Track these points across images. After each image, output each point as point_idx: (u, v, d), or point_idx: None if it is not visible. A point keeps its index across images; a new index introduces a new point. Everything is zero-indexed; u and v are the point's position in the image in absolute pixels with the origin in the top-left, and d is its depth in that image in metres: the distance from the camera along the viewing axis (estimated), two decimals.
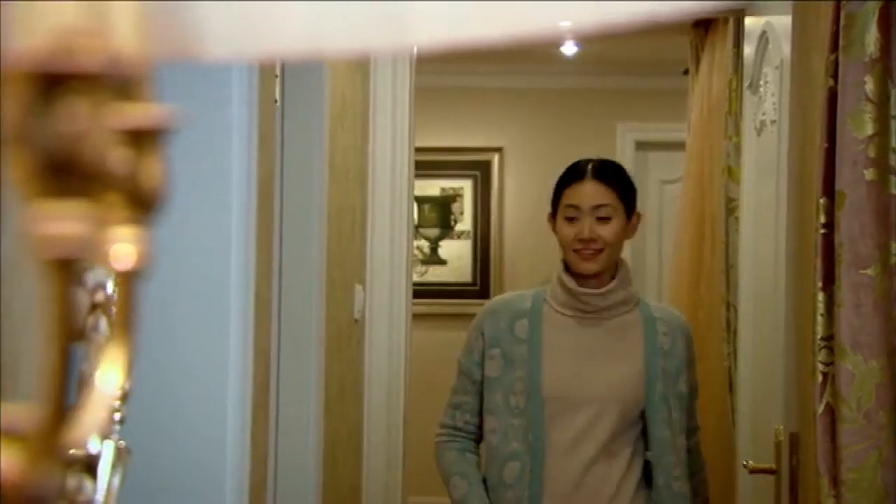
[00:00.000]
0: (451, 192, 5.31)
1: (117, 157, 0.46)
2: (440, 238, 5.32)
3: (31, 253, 0.39)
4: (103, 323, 1.04)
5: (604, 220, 2.19)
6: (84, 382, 1.10)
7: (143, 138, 0.47)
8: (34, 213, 0.39)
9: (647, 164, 5.34)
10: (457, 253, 5.30)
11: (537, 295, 2.27)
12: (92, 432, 0.44)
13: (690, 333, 2.31)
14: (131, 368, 1.08)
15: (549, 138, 5.34)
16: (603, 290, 2.20)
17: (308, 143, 2.25)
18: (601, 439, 2.16)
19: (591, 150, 5.26)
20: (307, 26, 0.54)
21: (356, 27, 0.54)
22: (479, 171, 5.32)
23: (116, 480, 1.03)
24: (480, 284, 5.26)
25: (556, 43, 4.63)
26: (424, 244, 5.29)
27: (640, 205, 5.95)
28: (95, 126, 0.40)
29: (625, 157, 5.28)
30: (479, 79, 5.23)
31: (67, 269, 0.39)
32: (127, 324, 0.52)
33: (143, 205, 0.48)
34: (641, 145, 5.31)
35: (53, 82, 0.39)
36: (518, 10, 0.52)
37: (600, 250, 2.18)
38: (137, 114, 0.46)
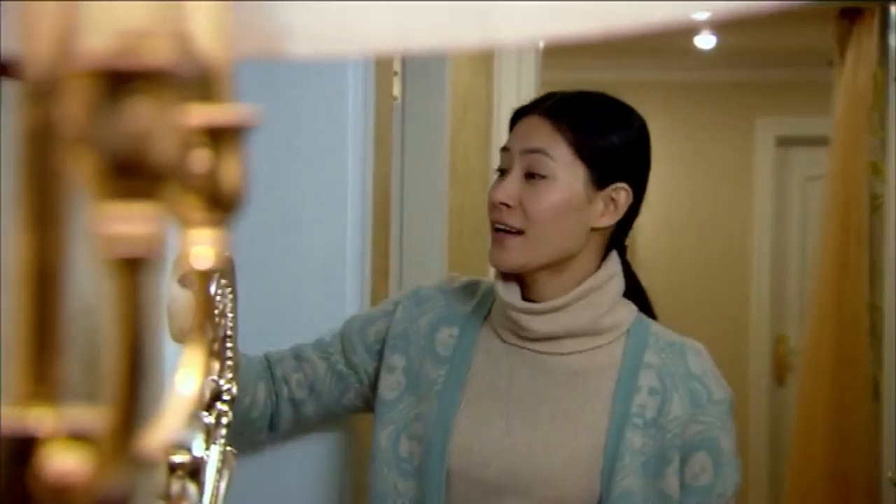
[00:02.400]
0: None
1: (195, 158, 0.45)
2: None
3: (98, 253, 0.38)
4: (208, 325, 1.04)
5: (536, 178, 1.29)
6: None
7: (222, 138, 0.46)
8: (100, 213, 0.38)
9: (788, 160, 5.16)
10: None
11: (490, 293, 1.40)
12: (172, 436, 0.43)
13: (715, 393, 1.30)
14: (237, 373, 1.07)
15: (685, 134, 5.21)
16: (542, 306, 1.31)
17: (428, 140, 2.24)
18: None
19: (728, 146, 5.20)
20: (393, 24, 0.52)
21: (443, 24, 0.52)
22: None
23: (223, 485, 1.03)
24: None
25: (691, 35, 4.51)
26: None
27: (780, 204, 5.57)
28: (163, 126, 0.39)
29: (764, 153, 5.11)
30: (609, 73, 5.14)
31: (134, 269, 0.38)
32: (205, 326, 0.51)
33: (222, 206, 0.47)
34: (783, 140, 5.13)
35: (120, 82, 0.38)
36: (614, 4, 0.48)
37: (519, 231, 1.29)
38: (216, 113, 0.45)
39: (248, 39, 0.55)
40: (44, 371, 0.39)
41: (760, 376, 4.94)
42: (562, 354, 1.32)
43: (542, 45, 3.09)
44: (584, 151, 1.30)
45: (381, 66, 1.78)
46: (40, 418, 0.38)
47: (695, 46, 4.69)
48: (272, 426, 1.45)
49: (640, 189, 1.36)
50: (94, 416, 0.38)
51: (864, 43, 3.71)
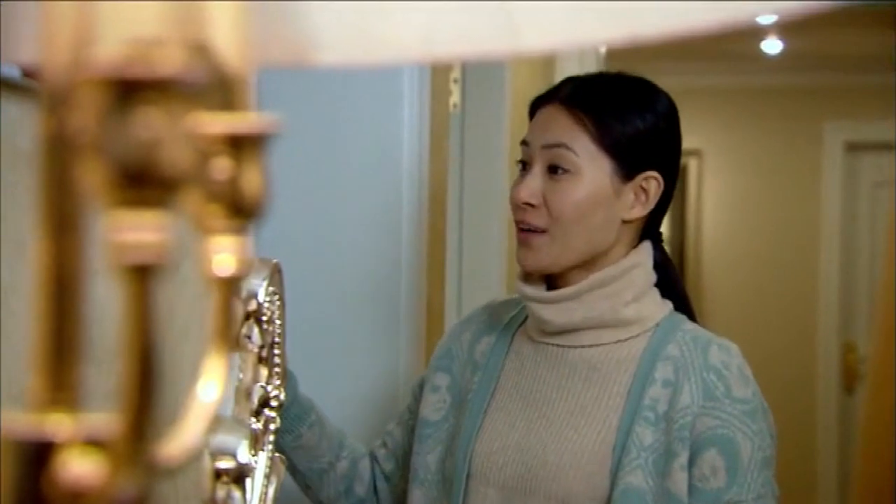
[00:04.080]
0: None
1: (216, 166, 0.46)
2: None
3: (108, 260, 0.39)
4: (256, 332, 1.04)
5: (559, 173, 1.22)
6: (240, 393, 1.10)
7: (243, 147, 0.46)
8: (110, 221, 0.38)
9: (858, 165, 5.06)
10: None
11: None
12: (193, 443, 0.43)
13: (735, 390, 1.19)
14: (285, 379, 1.07)
15: (752, 140, 5.14)
16: (555, 294, 1.24)
17: (489, 147, 2.23)
18: None
19: (796, 152, 5.11)
20: (418, 33, 0.52)
21: (467, 32, 0.52)
22: None
23: (271, 491, 1.03)
24: None
25: (757, 40, 4.44)
26: None
27: (849, 209, 5.44)
28: (173, 135, 0.39)
29: (833, 158, 5.02)
30: (674, 78, 5.06)
31: (144, 276, 0.39)
32: (225, 333, 0.52)
33: (243, 214, 0.47)
34: (852, 146, 5.04)
35: (130, 91, 0.38)
36: (638, 9, 0.48)
37: (542, 230, 1.23)
38: (237, 122, 0.45)
39: (274, 48, 0.56)
40: (62, 377, 0.40)
41: (829, 385, 4.85)
42: (581, 347, 1.25)
43: (603, 49, 3.07)
44: (608, 142, 1.22)
45: (438, 74, 1.78)
46: (58, 424, 0.38)
47: (761, 51, 4.63)
48: None
49: (672, 174, 1.27)
50: (110, 423, 0.39)
51: None
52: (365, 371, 1.59)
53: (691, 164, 5.20)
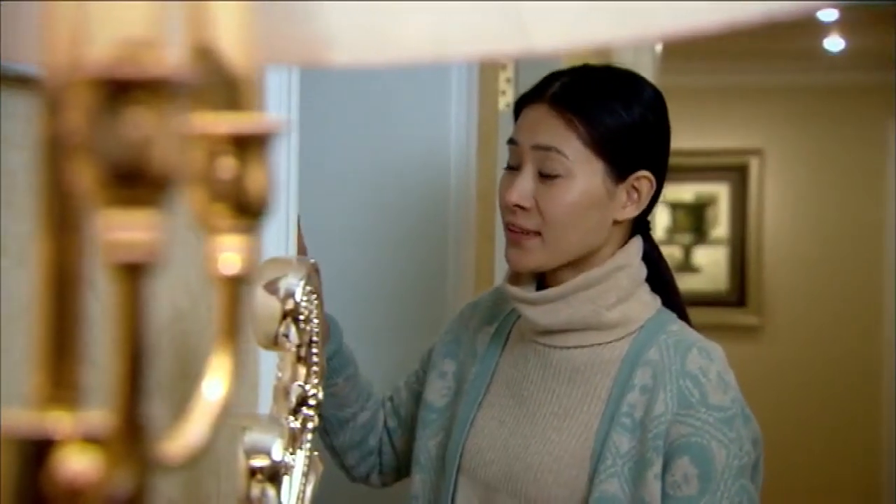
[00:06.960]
0: (705, 196, 5.15)
1: (221, 166, 0.46)
2: (694, 244, 5.17)
3: (101, 258, 0.39)
4: (293, 331, 1.05)
5: (549, 178, 1.19)
6: (278, 391, 1.10)
7: (248, 146, 0.47)
8: (102, 220, 0.39)
9: None
10: (711, 260, 5.12)
11: None
12: (197, 441, 0.43)
13: (711, 397, 1.16)
14: (322, 378, 1.07)
15: (814, 139, 5.06)
16: (538, 296, 1.23)
17: None
18: None
19: (859, 150, 5.02)
20: (430, 33, 0.52)
21: (478, 32, 0.52)
22: (737, 175, 5.13)
23: (309, 490, 1.04)
24: (737, 294, 5.07)
25: (819, 38, 4.37)
26: (677, 251, 5.15)
27: None
28: (163, 135, 0.40)
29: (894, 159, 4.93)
30: (735, 77, 5.03)
31: (135, 274, 0.39)
32: (232, 331, 0.52)
33: (249, 213, 0.48)
34: None
35: (120, 91, 0.39)
36: (647, 9, 0.47)
37: (534, 232, 1.20)
38: (242, 122, 0.45)
39: (286, 48, 0.56)
40: (63, 375, 0.40)
41: (893, 385, 4.76)
42: (566, 348, 1.23)
43: (659, 47, 3.03)
44: (599, 143, 1.19)
45: (487, 74, 1.78)
46: (57, 421, 0.39)
47: (823, 49, 4.56)
48: (381, 466, 1.42)
49: (662, 172, 1.25)
50: (102, 420, 0.39)
51: None
52: (410, 369, 1.59)
53: (752, 163, 5.14)
